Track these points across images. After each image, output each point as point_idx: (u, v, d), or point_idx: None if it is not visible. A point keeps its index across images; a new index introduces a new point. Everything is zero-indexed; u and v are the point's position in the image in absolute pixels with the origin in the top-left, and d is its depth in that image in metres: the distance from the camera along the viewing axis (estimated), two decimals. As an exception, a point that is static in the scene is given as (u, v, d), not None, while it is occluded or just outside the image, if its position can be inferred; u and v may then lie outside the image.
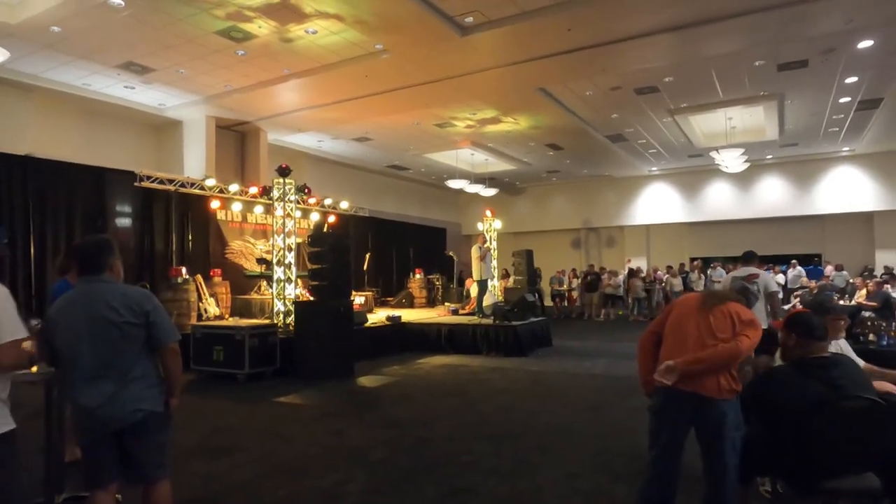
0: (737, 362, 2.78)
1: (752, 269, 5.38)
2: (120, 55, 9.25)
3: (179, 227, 11.32)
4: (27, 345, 2.41)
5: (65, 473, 3.51)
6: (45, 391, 3.10)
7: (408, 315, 12.05)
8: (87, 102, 10.93)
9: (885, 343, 4.96)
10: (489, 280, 12.20)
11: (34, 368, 2.83)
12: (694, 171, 18.69)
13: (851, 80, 10.78)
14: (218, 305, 10.63)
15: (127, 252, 10.31)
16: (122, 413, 2.49)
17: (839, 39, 9.02)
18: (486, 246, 12.05)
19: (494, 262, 13.73)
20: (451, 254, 17.78)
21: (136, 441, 2.55)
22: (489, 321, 10.49)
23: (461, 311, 12.73)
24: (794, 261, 15.57)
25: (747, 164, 14.92)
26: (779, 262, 15.77)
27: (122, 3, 7.44)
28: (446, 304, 15.10)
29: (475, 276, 11.78)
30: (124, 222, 10.82)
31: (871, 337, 5.09)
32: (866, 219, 17.19)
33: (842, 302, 11.09)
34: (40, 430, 3.28)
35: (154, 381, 2.63)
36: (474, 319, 11.00)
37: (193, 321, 9.44)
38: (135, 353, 2.57)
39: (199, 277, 10.57)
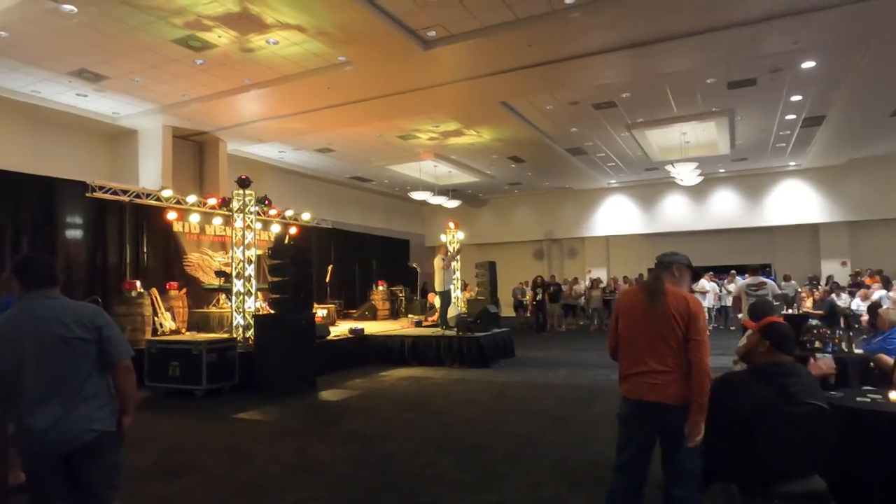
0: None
1: (760, 279, 7.70)
2: (72, 62, 8.96)
3: (134, 240, 10.95)
4: None
5: (8, 498, 3.35)
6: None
7: (371, 327, 11.96)
8: (35, 110, 10.53)
9: (830, 350, 5.18)
10: (451, 291, 12.18)
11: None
12: (651, 183, 19.21)
13: (796, 98, 11.31)
14: (174, 319, 10.34)
15: (78, 265, 9.94)
16: (73, 435, 2.39)
17: (785, 59, 9.46)
18: (450, 255, 12.02)
19: (457, 274, 13.75)
20: (414, 265, 17.76)
21: (88, 463, 2.45)
22: (452, 333, 10.50)
23: (424, 323, 12.72)
24: (732, 271, 15.87)
25: (701, 178, 15.44)
26: (727, 272, 16.13)
27: (74, 9, 7.22)
28: (409, 315, 15.05)
29: (438, 287, 11.71)
30: (75, 234, 10.41)
31: (818, 344, 5.30)
32: (812, 230, 17.98)
33: (789, 311, 11.54)
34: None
35: (106, 399, 2.54)
36: (437, 331, 11.00)
37: (148, 336, 9.14)
38: (86, 371, 2.48)
39: (155, 291, 10.25)
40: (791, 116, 12.52)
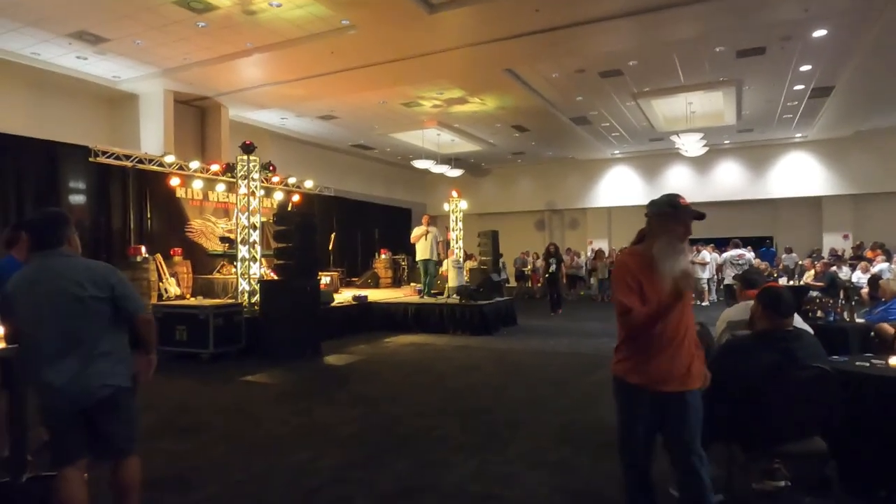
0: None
1: (741, 251, 8.24)
2: (72, 23, 8.82)
3: (137, 205, 10.96)
4: None
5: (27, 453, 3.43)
6: (4, 369, 3.00)
7: (373, 295, 12.04)
8: (35, 73, 10.40)
9: (832, 318, 5.25)
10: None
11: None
12: (655, 154, 19.09)
13: (805, 68, 11.17)
14: (179, 285, 10.41)
15: (82, 230, 9.96)
16: (90, 390, 2.45)
17: (796, 28, 9.31)
18: (431, 226, 11.59)
19: (460, 244, 13.76)
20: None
21: (105, 417, 2.52)
22: (455, 300, 10.57)
23: (434, 291, 12.73)
24: (735, 240, 15.83)
25: (706, 149, 15.33)
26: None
27: (75, -32, 7.09)
28: (412, 284, 15.12)
29: (422, 255, 11.47)
30: (78, 199, 10.42)
31: (819, 314, 5.37)
32: (815, 203, 17.93)
33: (791, 282, 11.61)
34: None
35: (121, 356, 2.60)
36: (441, 299, 11.06)
37: (154, 301, 9.23)
38: (101, 328, 2.52)
39: (159, 257, 10.31)
40: (799, 87, 12.37)
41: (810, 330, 3.21)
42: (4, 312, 2.52)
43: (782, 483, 3.10)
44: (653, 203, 2.47)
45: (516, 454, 4.12)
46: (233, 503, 3.34)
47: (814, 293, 8.50)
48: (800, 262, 14.30)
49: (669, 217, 2.40)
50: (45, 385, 2.45)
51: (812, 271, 10.98)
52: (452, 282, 11.21)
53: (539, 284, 18.02)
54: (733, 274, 12.10)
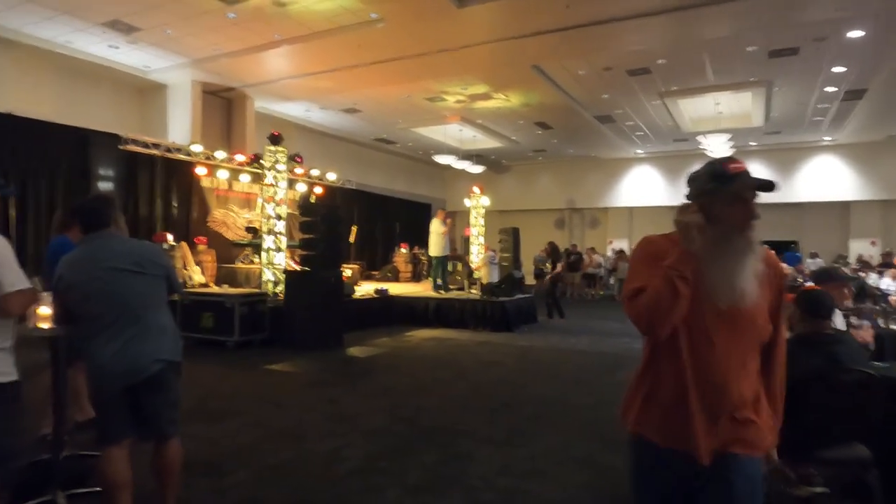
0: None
1: None
2: (105, 12, 8.95)
3: (164, 193, 11.13)
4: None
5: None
6: (52, 349, 3.06)
7: (393, 289, 12.07)
8: (68, 61, 10.57)
9: (873, 324, 5.15)
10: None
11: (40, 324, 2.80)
12: (679, 155, 18.87)
13: (839, 69, 10.95)
14: (203, 274, 10.53)
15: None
16: (142, 365, 2.51)
17: (831, 28, 9.13)
18: (448, 222, 11.63)
19: (481, 239, 13.75)
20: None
21: (152, 397, 2.57)
22: (476, 296, 10.57)
23: (450, 287, 12.75)
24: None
25: (733, 150, 15.12)
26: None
27: (112, -43, 7.18)
28: (431, 278, 15.12)
29: (436, 251, 11.41)
30: (107, 185, 10.60)
31: (854, 319, 5.27)
32: (843, 208, 17.60)
33: (817, 287, 11.39)
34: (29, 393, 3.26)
35: (174, 331, 2.69)
36: (462, 294, 11.06)
37: (179, 288, 9.34)
38: (157, 305, 2.63)
39: (185, 245, 10.43)
40: (831, 88, 12.13)
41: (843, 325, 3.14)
42: (56, 292, 2.57)
43: (819, 490, 3.05)
44: (693, 178, 1.65)
45: (542, 450, 4.11)
46: (264, 488, 3.37)
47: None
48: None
49: (716, 197, 1.56)
50: (99, 362, 2.50)
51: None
52: (487, 278, 11.07)
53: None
54: None
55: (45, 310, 2.76)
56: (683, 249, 1.53)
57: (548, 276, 12.63)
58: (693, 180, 1.66)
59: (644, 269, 1.61)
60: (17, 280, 2.30)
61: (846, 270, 10.84)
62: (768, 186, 1.62)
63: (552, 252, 12.47)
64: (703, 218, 1.54)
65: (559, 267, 12.35)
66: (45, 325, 2.79)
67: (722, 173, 1.59)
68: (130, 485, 2.56)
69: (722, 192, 1.57)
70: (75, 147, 10.07)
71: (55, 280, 2.60)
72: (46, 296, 2.74)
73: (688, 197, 1.65)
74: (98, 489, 2.94)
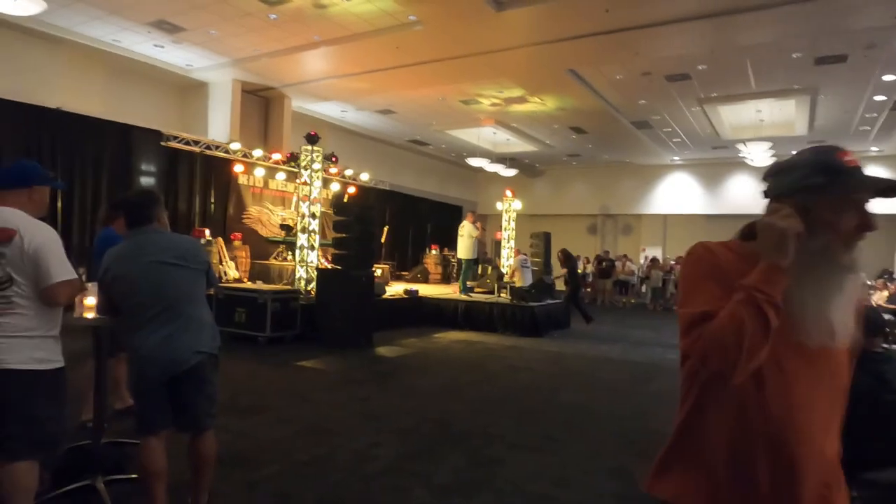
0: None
1: None
2: (152, 12, 9.20)
3: (203, 189, 11.39)
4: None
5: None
6: (95, 338, 3.16)
7: (423, 290, 12.10)
8: (115, 59, 10.91)
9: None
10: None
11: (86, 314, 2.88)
12: (716, 162, 18.48)
13: (889, 78, 10.57)
14: (237, 269, 10.73)
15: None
16: (183, 356, 2.56)
17: (881, 35, 8.81)
18: (479, 225, 11.64)
19: (512, 243, 13.70)
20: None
21: (191, 388, 2.61)
22: (506, 299, 10.51)
23: (477, 290, 12.74)
24: None
25: (773, 158, 14.72)
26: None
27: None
28: (460, 281, 15.11)
29: (467, 254, 11.50)
30: (149, 181, 10.90)
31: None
32: (888, 221, 16.96)
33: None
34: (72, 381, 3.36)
35: (211, 325, 2.74)
36: (492, 298, 11.02)
37: (214, 283, 9.53)
38: (197, 298, 2.70)
39: (221, 240, 10.65)
40: (881, 97, 11.72)
41: None
42: (102, 283, 2.65)
43: (863, 511, 2.94)
44: (786, 169, 1.27)
45: (571, 457, 4.06)
46: (295, 483, 3.41)
47: (887, 315, 8.06)
48: (870, 283, 13.56)
49: (824, 197, 1.19)
50: (143, 352, 2.56)
51: (885, 292, 10.41)
52: (520, 282, 11.03)
53: (588, 289, 17.65)
54: None
55: (90, 300, 2.85)
56: (771, 264, 1.14)
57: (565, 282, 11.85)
58: (785, 172, 1.26)
59: (710, 285, 1.20)
60: (65, 271, 2.38)
61: (891, 286, 10.46)
62: (890, 189, 1.17)
63: (566, 259, 11.74)
64: (802, 224, 1.15)
65: (587, 267, 11.70)
66: (90, 315, 2.87)
67: (835, 165, 1.18)
68: (166, 474, 2.61)
69: (832, 192, 1.17)
70: (119, 142, 10.39)
71: (101, 272, 2.68)
72: (92, 286, 2.83)
73: (773, 193, 1.28)
74: (135, 476, 3.03)
